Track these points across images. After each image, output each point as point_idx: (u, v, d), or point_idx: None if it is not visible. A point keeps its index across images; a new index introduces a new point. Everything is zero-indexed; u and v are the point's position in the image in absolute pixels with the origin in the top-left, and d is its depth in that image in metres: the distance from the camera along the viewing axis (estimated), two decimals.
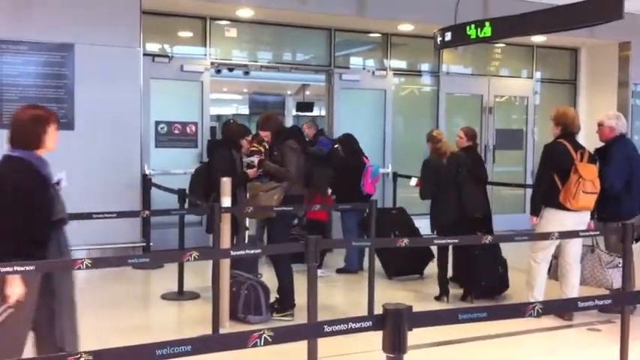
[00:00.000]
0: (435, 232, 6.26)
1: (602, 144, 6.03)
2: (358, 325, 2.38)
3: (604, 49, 10.87)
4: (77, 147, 7.55)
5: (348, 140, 7.70)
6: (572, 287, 5.68)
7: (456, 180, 6.16)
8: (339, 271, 7.43)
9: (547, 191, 5.59)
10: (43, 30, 7.39)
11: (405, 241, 3.95)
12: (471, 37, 7.12)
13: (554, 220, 5.54)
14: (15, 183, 3.36)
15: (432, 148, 6.45)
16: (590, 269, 5.70)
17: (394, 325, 2.31)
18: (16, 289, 3.27)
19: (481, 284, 6.31)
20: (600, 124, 5.98)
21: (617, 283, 5.50)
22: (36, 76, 7.43)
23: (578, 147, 5.63)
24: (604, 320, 5.53)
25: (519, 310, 2.65)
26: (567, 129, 5.68)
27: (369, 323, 2.38)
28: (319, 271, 6.62)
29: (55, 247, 3.49)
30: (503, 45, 10.73)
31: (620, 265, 5.52)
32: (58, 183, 3.58)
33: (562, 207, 5.49)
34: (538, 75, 11.20)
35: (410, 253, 6.67)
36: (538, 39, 10.35)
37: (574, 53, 11.32)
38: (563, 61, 11.39)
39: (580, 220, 5.56)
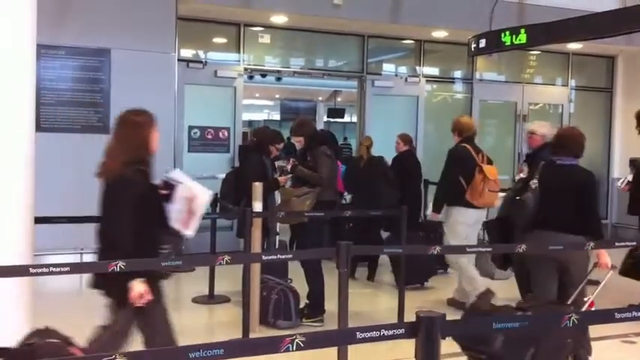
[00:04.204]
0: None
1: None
2: (391, 332, 2.36)
3: None
4: None
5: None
6: (466, 280, 6.06)
7: (372, 183, 6.89)
8: None
9: (453, 191, 6.04)
10: (81, 35, 7.51)
11: (437, 249, 3.93)
12: (506, 44, 7.04)
13: (461, 217, 6.05)
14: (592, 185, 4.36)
15: None
16: (479, 260, 6.22)
17: (427, 333, 2.29)
18: None
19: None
20: (532, 133, 6.12)
21: (498, 275, 6.24)
22: (73, 80, 7.56)
23: (478, 150, 6.17)
24: (639, 332, 5.42)
25: (556, 320, 2.62)
26: (464, 134, 6.19)
27: (401, 331, 2.36)
28: None
29: None
30: (538, 52, 10.62)
31: None
32: None
33: (468, 205, 5.98)
34: (573, 83, 11.06)
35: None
36: (574, 46, 10.21)
37: (610, 61, 11.15)
38: (599, 69, 11.23)
39: (482, 215, 6.17)
